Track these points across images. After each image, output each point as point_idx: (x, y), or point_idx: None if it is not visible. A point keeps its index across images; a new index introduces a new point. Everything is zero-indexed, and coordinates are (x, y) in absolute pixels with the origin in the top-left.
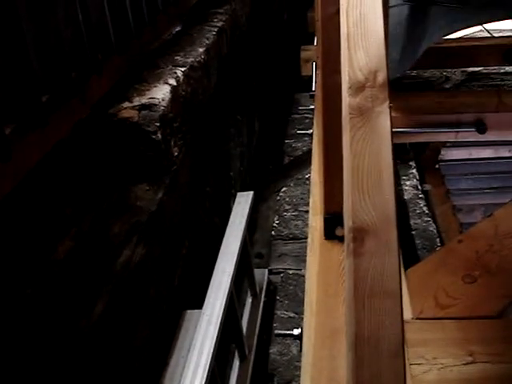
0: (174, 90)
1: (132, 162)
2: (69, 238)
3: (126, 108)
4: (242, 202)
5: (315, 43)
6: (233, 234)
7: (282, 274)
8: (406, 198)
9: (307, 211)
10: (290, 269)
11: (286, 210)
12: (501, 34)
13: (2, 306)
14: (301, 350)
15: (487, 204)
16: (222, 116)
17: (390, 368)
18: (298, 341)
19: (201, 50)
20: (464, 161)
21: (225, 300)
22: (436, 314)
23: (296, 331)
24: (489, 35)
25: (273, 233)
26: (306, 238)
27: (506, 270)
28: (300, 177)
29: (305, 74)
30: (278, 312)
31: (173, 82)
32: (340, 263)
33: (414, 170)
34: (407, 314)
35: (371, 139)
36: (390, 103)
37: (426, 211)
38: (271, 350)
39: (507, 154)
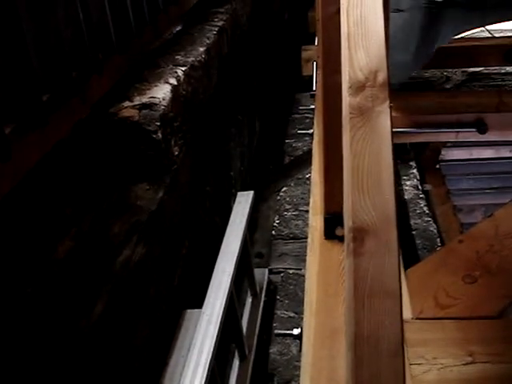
0: (174, 89)
1: (132, 161)
2: (69, 237)
3: (126, 107)
4: (243, 202)
5: (316, 43)
6: (233, 233)
7: (282, 274)
8: (406, 197)
9: (307, 211)
10: (290, 268)
11: (287, 210)
12: (502, 34)
13: (3, 305)
14: (300, 350)
15: (488, 204)
16: (222, 116)
17: (389, 368)
18: (297, 341)
19: (201, 49)
20: (465, 161)
21: (225, 299)
22: (436, 314)
23: (296, 331)
24: (490, 35)
25: (273, 232)
26: (307, 237)
27: (506, 271)
28: (300, 176)
29: (305, 74)
30: (278, 312)
31: (173, 81)
32: (340, 263)
33: (415, 170)
34: (407, 313)
35: (371, 139)
36: (391, 103)
37: (427, 211)
38: (271, 350)
39: (508, 155)
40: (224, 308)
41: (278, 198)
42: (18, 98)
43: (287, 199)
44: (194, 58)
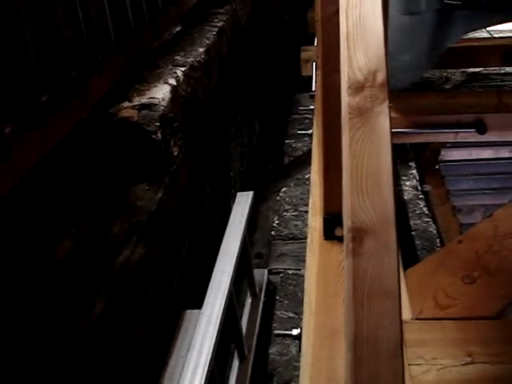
0: (174, 89)
1: (132, 161)
2: (69, 237)
3: (125, 108)
4: (242, 202)
5: (315, 43)
6: (233, 233)
7: (281, 274)
8: (405, 198)
9: (307, 211)
10: (289, 269)
11: (286, 210)
12: (501, 35)
13: (3, 304)
14: (300, 350)
15: (487, 205)
16: (222, 116)
17: (388, 368)
18: (297, 341)
19: (201, 49)
20: (464, 161)
21: (224, 300)
22: (435, 315)
23: (295, 331)
24: (489, 36)
25: (272, 233)
26: (306, 238)
27: (505, 271)
28: (300, 177)
29: (305, 75)
30: (278, 312)
31: (173, 81)
32: (339, 263)
33: (414, 171)
34: (407, 314)
35: (370, 139)
36: (390, 103)
37: (426, 212)
38: (271, 350)
39: (507, 155)
40: (223, 308)
41: (278, 198)
42: (17, 98)
43: (287, 199)
44: (193, 59)
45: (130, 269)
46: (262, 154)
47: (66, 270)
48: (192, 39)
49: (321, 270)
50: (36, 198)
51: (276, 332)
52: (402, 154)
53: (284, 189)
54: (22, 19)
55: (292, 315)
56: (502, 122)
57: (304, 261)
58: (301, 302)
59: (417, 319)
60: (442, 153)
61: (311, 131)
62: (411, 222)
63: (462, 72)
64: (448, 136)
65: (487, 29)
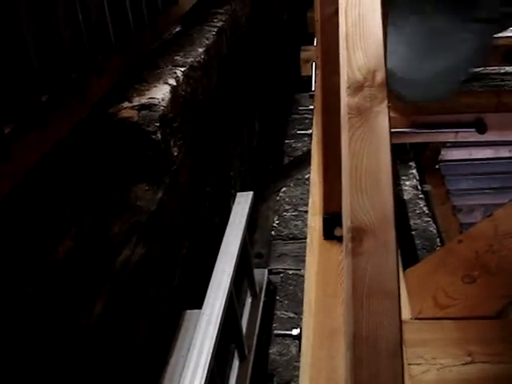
0: (173, 90)
1: (132, 161)
2: (69, 237)
3: (125, 108)
4: (242, 202)
5: (315, 43)
6: (233, 233)
7: (281, 274)
8: (405, 198)
9: (307, 211)
10: (289, 269)
11: (286, 210)
12: (501, 35)
13: (3, 304)
14: (300, 350)
15: (487, 204)
16: (221, 116)
17: (388, 368)
18: (297, 341)
19: (201, 50)
20: (464, 161)
21: (224, 300)
22: (435, 314)
23: (295, 331)
24: None
25: (272, 233)
26: (306, 238)
27: (505, 270)
28: (300, 177)
29: (304, 74)
30: (278, 312)
31: (172, 82)
32: (339, 263)
33: (414, 171)
34: (406, 314)
35: (370, 139)
36: (389, 103)
37: (426, 211)
38: (271, 350)
39: (507, 155)
40: (224, 308)
41: (278, 198)
42: (17, 98)
43: (286, 199)
44: (193, 59)
45: (130, 269)
46: (261, 154)
47: (66, 270)
48: (192, 39)
49: (320, 270)
50: (36, 198)
51: (276, 332)
52: (401, 154)
53: (284, 189)
54: (21, 19)
55: (292, 315)
56: (501, 121)
57: (304, 261)
58: (301, 302)
59: (416, 319)
60: (442, 152)
61: (311, 131)
62: (411, 222)
63: None
64: (448, 136)
65: None
